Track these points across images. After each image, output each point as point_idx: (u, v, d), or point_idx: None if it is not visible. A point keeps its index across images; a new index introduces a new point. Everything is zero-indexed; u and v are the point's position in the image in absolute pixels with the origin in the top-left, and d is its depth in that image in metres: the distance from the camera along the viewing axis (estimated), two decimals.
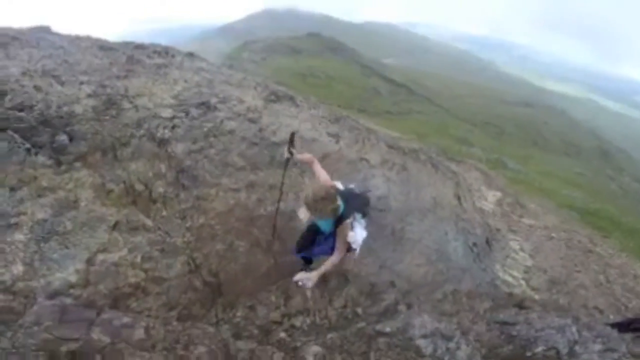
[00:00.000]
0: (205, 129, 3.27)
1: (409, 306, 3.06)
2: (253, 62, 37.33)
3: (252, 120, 3.83)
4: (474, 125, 37.36)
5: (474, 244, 5.02)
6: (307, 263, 3.35)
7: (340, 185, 2.89)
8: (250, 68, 29.49)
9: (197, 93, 3.79)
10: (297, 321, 2.95)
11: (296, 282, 2.64)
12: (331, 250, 2.81)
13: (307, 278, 2.61)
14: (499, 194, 8.35)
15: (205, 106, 3.61)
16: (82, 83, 3.10)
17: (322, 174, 2.91)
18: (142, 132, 2.77)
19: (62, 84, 2.99)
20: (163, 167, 2.76)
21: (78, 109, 2.78)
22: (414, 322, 2.52)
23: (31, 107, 2.63)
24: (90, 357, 2.07)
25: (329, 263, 2.72)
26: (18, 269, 2.07)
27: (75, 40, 4.18)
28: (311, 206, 2.51)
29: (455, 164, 9.76)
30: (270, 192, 3.45)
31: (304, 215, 2.76)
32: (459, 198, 5.59)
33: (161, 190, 2.71)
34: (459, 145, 23.49)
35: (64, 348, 2.00)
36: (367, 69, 48.43)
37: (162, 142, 2.85)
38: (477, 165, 11.78)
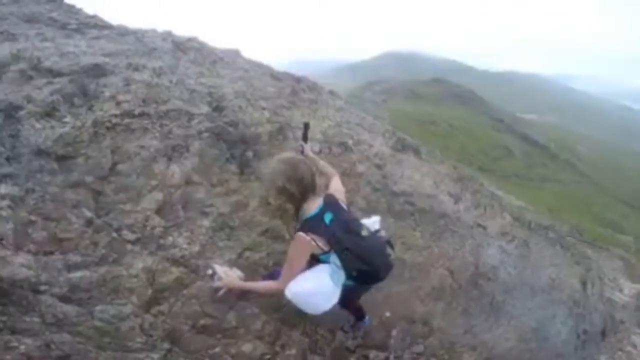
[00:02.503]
0: (342, 168, 3.99)
1: None
2: (373, 103, 39.36)
3: (378, 167, 4.42)
4: (631, 207, 30.78)
5: (584, 332, 4.67)
6: (358, 318, 3.09)
7: (366, 221, 2.27)
8: (370, 108, 31.19)
9: (338, 132, 4.55)
10: (371, 354, 3.25)
11: (209, 271, 2.40)
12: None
13: (220, 275, 2.32)
14: None
15: (344, 146, 4.34)
16: (263, 109, 4.07)
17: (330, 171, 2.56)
18: None
19: (252, 106, 3.99)
20: None
21: (261, 131, 3.70)
22: None
23: (237, 125, 3.60)
24: (214, 334, 2.69)
25: (262, 286, 2.33)
26: (195, 248, 2.86)
27: (255, 66, 5.31)
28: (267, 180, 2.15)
29: (591, 249, 8.63)
30: None
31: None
32: (584, 284, 5.17)
33: None
34: (603, 228, 19.78)
35: (202, 322, 2.63)
36: (499, 122, 45.50)
37: None
38: (623, 255, 10.05)
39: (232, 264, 3.00)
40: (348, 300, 2.52)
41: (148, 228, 2.87)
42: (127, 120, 3.17)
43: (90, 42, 4.08)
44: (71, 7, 5.13)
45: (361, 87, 51.48)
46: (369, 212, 4.00)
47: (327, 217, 2.06)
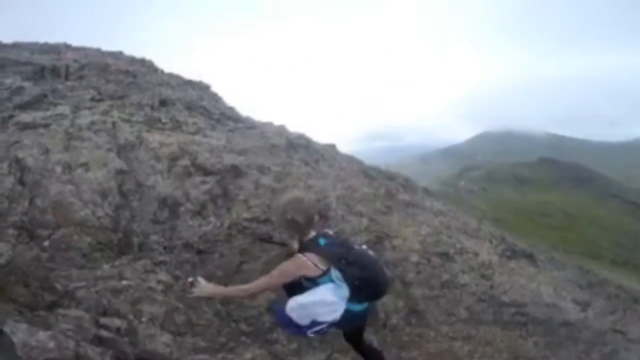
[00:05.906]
0: (442, 279, 3.94)
1: None
2: (470, 192, 36.65)
3: (484, 277, 4.20)
4: None
5: None
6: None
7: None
8: (467, 198, 29.16)
9: (438, 241, 4.51)
10: None
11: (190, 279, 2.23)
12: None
13: (201, 284, 2.18)
14: None
15: (445, 256, 4.27)
16: (361, 215, 4.28)
17: None
18: (395, 272, 3.70)
19: (348, 213, 4.22)
20: (401, 304, 3.55)
21: (360, 241, 3.90)
22: None
23: (337, 233, 3.97)
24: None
25: (238, 289, 2.33)
26: (294, 346, 3.16)
27: (349, 162, 5.65)
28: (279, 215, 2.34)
29: None
30: (484, 348, 3.57)
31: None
32: None
33: (394, 322, 3.48)
34: None
35: None
36: (631, 205, 37.48)
37: (406, 284, 3.68)
38: None
39: None
40: (353, 329, 2.49)
41: (260, 322, 3.23)
42: (254, 225, 3.80)
43: (228, 135, 4.96)
44: (214, 95, 6.48)
45: (455, 174, 48.39)
46: (471, 323, 3.75)
47: (321, 241, 2.26)
